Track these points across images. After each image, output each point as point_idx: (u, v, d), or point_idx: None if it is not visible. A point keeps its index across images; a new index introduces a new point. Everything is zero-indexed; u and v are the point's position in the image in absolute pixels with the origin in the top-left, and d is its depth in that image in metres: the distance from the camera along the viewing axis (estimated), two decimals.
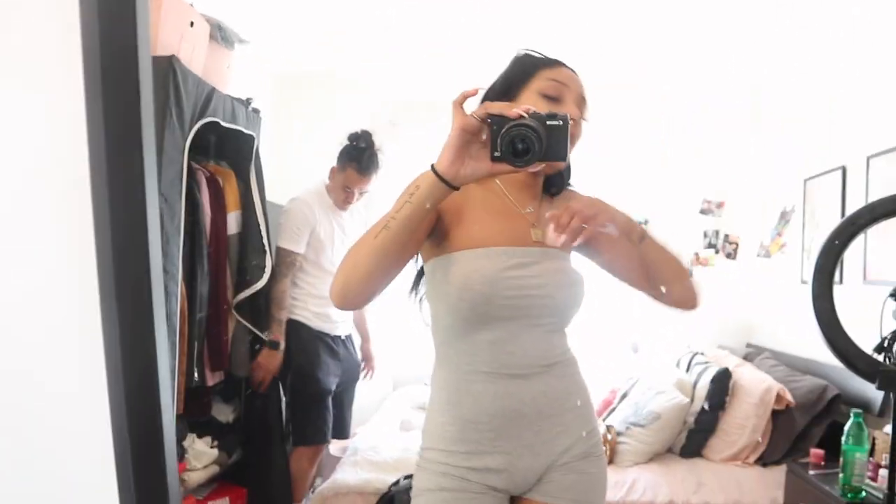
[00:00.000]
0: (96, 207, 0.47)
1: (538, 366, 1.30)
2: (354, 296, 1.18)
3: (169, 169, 2.07)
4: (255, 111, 2.71)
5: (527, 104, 1.19)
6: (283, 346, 2.79)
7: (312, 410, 2.89)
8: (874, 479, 2.37)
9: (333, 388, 2.98)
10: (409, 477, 2.53)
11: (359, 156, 2.86)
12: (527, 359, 1.28)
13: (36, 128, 0.53)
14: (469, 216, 1.31)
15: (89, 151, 0.47)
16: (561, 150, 1.08)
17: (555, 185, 1.43)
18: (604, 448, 1.43)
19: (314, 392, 2.88)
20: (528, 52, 1.38)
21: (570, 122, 1.09)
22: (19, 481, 0.57)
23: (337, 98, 4.44)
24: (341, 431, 3.17)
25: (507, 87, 1.34)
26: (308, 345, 2.91)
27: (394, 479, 2.83)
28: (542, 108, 1.23)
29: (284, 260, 2.82)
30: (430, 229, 1.29)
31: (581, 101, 1.34)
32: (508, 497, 1.35)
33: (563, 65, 1.35)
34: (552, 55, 1.38)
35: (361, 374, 3.30)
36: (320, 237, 2.89)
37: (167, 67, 2.05)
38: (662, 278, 1.36)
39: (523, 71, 1.34)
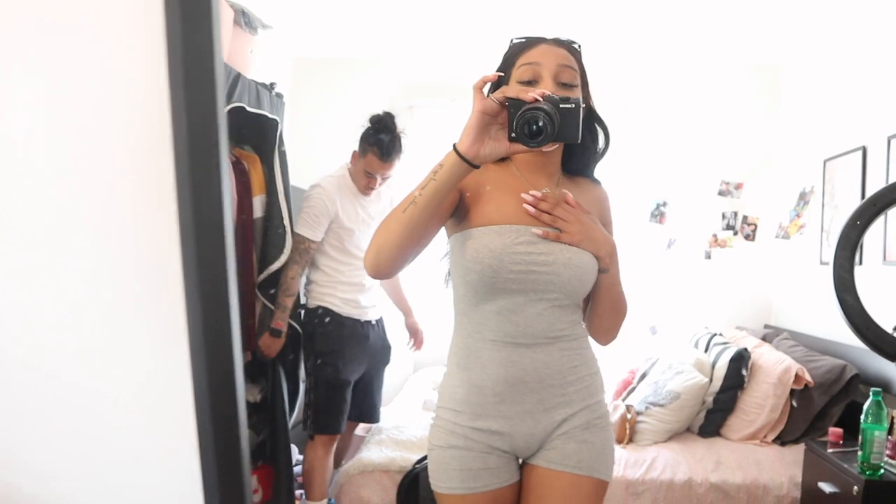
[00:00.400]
0: (181, 206, 0.51)
1: (543, 337, 1.36)
2: (386, 265, 1.30)
3: None
4: (279, 96, 2.75)
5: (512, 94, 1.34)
6: (285, 331, 2.76)
7: (331, 400, 2.86)
8: (893, 457, 2.39)
9: (354, 378, 2.95)
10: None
11: (380, 141, 2.78)
12: (531, 329, 1.35)
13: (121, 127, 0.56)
14: (487, 196, 1.40)
15: (174, 151, 0.51)
16: (573, 131, 1.18)
17: (572, 166, 1.49)
18: (611, 422, 1.48)
19: (333, 382, 2.85)
20: (514, 40, 1.44)
21: (583, 106, 1.19)
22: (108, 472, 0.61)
23: (356, 81, 4.47)
24: (371, 415, 3.15)
25: (497, 87, 1.41)
26: (333, 333, 2.87)
27: (417, 458, 2.89)
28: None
29: (298, 246, 2.78)
30: (454, 207, 1.39)
31: (563, 71, 1.36)
32: (515, 458, 1.43)
33: (538, 42, 1.39)
34: (537, 33, 1.43)
35: (410, 348, 3.29)
36: (344, 224, 2.84)
37: None
38: (601, 309, 1.48)
39: (506, 65, 1.41)
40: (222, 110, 0.51)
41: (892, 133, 2.93)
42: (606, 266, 1.41)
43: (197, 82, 0.49)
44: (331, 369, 2.85)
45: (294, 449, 3.12)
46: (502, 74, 1.37)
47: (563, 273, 1.35)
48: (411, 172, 3.81)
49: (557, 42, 1.40)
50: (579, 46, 1.44)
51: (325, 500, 2.90)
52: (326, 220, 2.81)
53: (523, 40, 1.41)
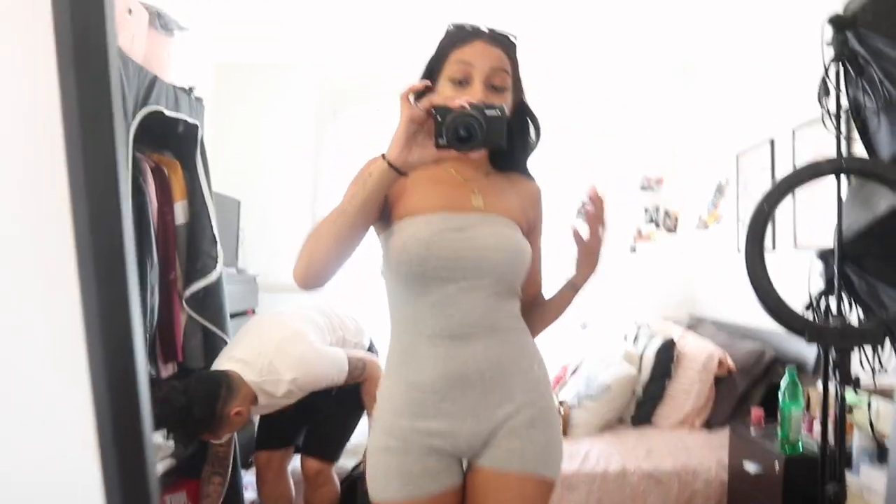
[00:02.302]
0: (74, 201, 0.49)
1: (480, 327, 1.32)
2: (317, 275, 1.28)
3: None
4: (199, 100, 2.69)
5: (442, 93, 1.34)
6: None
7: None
8: (809, 432, 2.51)
9: None
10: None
11: None
12: (467, 320, 1.32)
13: (8, 109, 0.54)
14: (411, 188, 1.37)
15: (65, 137, 0.49)
16: (499, 136, 1.20)
17: (502, 161, 1.47)
18: (559, 416, 1.45)
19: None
20: (449, 28, 1.41)
21: (507, 115, 1.21)
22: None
23: (280, 87, 4.42)
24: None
25: (429, 74, 1.39)
26: None
27: (353, 464, 2.86)
28: (452, 94, 1.32)
29: None
30: (381, 209, 1.34)
31: (495, 74, 1.34)
32: (458, 461, 1.38)
33: (474, 38, 1.36)
34: (473, 23, 1.39)
35: None
36: None
37: None
38: (550, 316, 1.51)
39: (437, 57, 1.39)
40: (118, 103, 0.49)
41: (797, 125, 3.08)
42: (583, 284, 1.45)
43: (90, 76, 0.48)
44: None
45: None
46: (429, 83, 1.31)
47: (492, 257, 1.33)
48: (338, 179, 3.78)
49: (493, 38, 1.37)
50: (515, 39, 1.41)
51: None
52: None
53: (458, 29, 1.38)
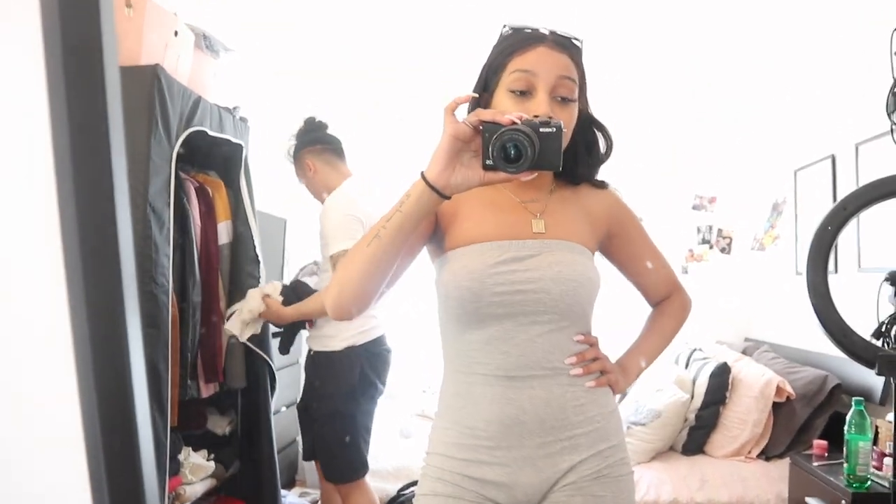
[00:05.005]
0: (63, 216, 0.45)
1: (540, 368, 1.19)
2: (349, 305, 1.17)
3: (156, 179, 2.05)
4: (243, 120, 2.70)
5: (500, 105, 1.20)
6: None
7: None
8: (879, 467, 2.35)
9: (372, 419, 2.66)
10: (415, 484, 2.51)
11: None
12: (524, 360, 1.18)
13: None
14: (463, 213, 1.25)
15: (54, 152, 0.45)
16: (554, 157, 1.05)
17: (572, 175, 1.32)
18: (631, 470, 1.28)
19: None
20: (504, 31, 1.26)
21: (564, 130, 1.05)
22: None
23: (326, 102, 4.43)
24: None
25: (485, 86, 1.27)
26: (342, 376, 2.52)
27: (393, 487, 2.81)
28: (512, 107, 1.18)
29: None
30: (429, 234, 1.25)
31: (561, 83, 1.19)
32: None
33: (534, 43, 1.21)
34: (532, 25, 1.24)
35: None
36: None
37: (152, 76, 2.03)
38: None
39: (493, 66, 1.24)
40: (115, 106, 0.45)
41: (860, 140, 2.94)
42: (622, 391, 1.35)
43: (80, 78, 0.44)
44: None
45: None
46: (475, 95, 1.21)
47: (553, 290, 1.18)
48: (386, 197, 3.74)
49: (557, 42, 1.21)
50: (581, 43, 1.25)
51: None
52: (360, 226, 2.48)
53: (516, 32, 1.23)
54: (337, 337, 2.51)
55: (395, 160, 4.18)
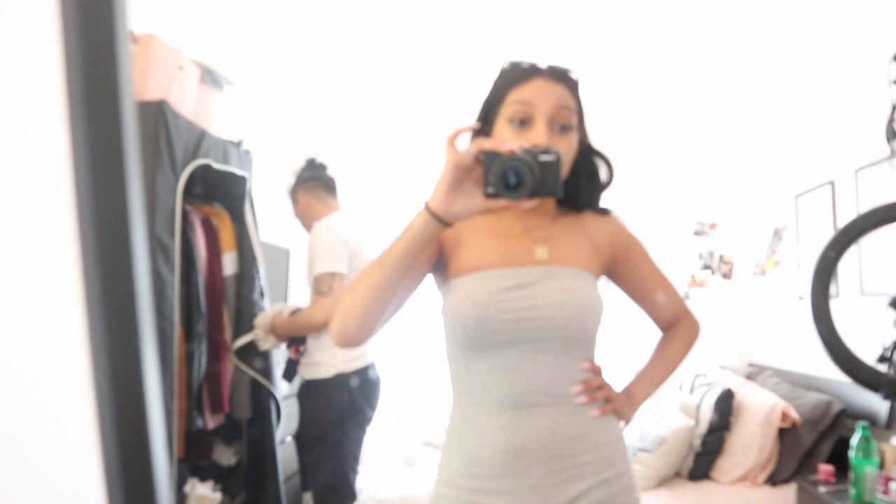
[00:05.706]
0: (84, 247, 0.47)
1: (546, 395, 1.19)
2: (354, 333, 1.17)
3: (162, 211, 2.08)
4: (247, 152, 2.73)
5: (500, 135, 1.23)
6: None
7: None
8: (886, 492, 2.34)
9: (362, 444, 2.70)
10: None
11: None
12: (530, 388, 1.19)
13: (18, 164, 0.52)
14: (466, 241, 1.26)
15: (75, 190, 0.46)
16: (554, 184, 1.07)
17: (573, 202, 1.34)
18: (637, 497, 1.28)
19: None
20: (504, 65, 1.29)
21: (563, 158, 1.08)
22: None
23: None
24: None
25: (485, 118, 1.29)
26: (331, 403, 2.55)
27: None
28: (511, 136, 1.21)
29: (321, 288, 2.48)
30: (432, 262, 1.26)
31: (559, 113, 1.22)
32: None
33: (532, 75, 1.24)
34: (529, 60, 1.27)
35: None
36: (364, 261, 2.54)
37: (157, 111, 2.07)
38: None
39: (493, 99, 1.27)
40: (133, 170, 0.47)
41: (860, 166, 2.97)
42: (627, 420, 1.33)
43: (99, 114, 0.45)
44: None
45: None
46: (477, 126, 1.24)
47: (558, 317, 1.19)
48: (390, 227, 3.74)
49: (554, 74, 1.24)
50: (577, 76, 1.28)
51: None
52: (345, 250, 2.53)
53: (515, 66, 1.26)
54: (326, 364, 2.55)
55: (398, 191, 4.22)
